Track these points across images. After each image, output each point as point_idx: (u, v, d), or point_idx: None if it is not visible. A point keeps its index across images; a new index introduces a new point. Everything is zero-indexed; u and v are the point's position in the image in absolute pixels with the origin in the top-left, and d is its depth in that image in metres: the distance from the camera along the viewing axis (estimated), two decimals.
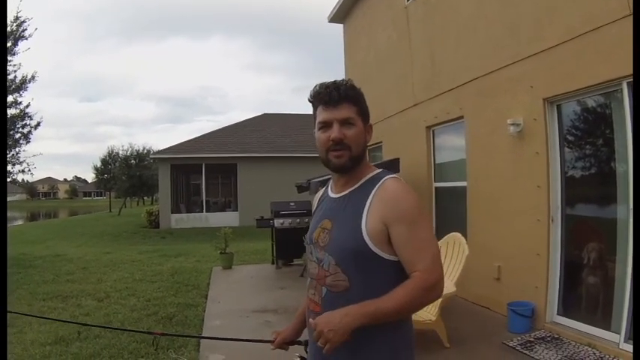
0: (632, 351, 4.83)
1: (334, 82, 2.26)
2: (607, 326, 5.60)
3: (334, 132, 2.19)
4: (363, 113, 2.28)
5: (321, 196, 2.53)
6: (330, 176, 2.46)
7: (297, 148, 29.79)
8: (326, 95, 2.23)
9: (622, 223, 5.42)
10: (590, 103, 6.08)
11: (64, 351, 6.27)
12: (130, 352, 6.24)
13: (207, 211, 30.27)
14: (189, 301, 9.04)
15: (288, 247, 12.47)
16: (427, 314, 6.24)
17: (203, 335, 7.05)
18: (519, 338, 6.19)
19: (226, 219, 26.51)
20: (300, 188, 12.07)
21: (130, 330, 6.81)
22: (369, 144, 2.45)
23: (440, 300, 6.07)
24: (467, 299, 8.09)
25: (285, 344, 2.64)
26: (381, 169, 2.32)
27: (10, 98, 15.56)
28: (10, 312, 4.53)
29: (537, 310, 6.50)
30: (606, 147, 5.89)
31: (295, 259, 12.65)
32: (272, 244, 13.04)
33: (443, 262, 6.47)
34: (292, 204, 12.84)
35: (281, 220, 12.57)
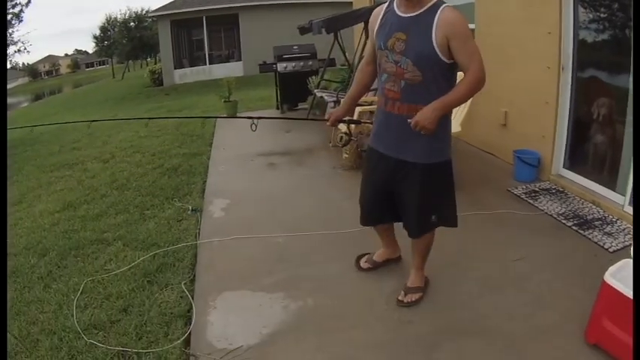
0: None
1: None
2: (612, 186, 5.42)
3: None
4: None
5: (385, 12, 3.30)
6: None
7: None
8: None
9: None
10: None
11: (72, 215, 6.35)
12: (135, 206, 6.32)
13: (210, 64, 29.93)
14: (193, 150, 9.06)
15: (293, 91, 12.26)
16: None
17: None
18: (524, 187, 6.09)
19: (230, 70, 26.30)
20: (303, 30, 11.67)
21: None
22: None
23: None
24: (472, 144, 7.93)
25: (336, 121, 3.87)
26: None
27: None
28: None
29: (543, 160, 6.33)
30: (623, 4, 5.33)
31: (300, 102, 12.46)
32: (276, 90, 12.86)
33: None
34: (295, 47, 12.49)
35: (284, 64, 12.29)
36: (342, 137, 4.37)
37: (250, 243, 4.98)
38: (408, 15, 3.13)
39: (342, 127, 4.31)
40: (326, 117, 3.93)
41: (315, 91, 10.72)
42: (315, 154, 8.07)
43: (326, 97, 9.71)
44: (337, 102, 8.58)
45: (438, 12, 3.04)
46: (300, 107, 12.43)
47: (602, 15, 5.75)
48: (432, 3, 3.08)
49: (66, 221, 6.18)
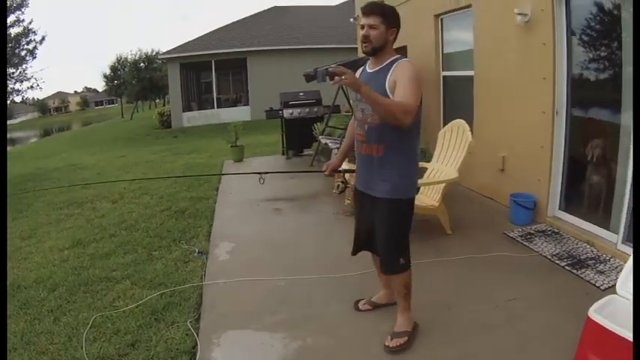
0: (628, 252, 4.88)
1: (371, 2, 3.67)
2: (606, 225, 5.66)
3: (364, 32, 3.62)
4: (387, 22, 3.62)
5: (361, 71, 3.90)
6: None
7: (306, 40, 29.42)
8: (363, 9, 3.63)
9: (624, 129, 5.31)
10: None
11: (82, 253, 6.63)
12: (143, 247, 6.59)
13: (218, 107, 30.41)
14: (201, 194, 9.34)
15: (298, 137, 12.58)
16: (430, 200, 6.42)
17: (212, 226, 7.35)
18: (520, 229, 6.34)
19: (238, 114, 26.76)
20: (308, 77, 12.05)
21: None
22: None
23: (442, 186, 6.27)
24: (471, 189, 8.26)
25: (333, 171, 4.38)
26: (399, 55, 3.69)
27: (12, 17, 15.71)
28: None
29: (539, 203, 6.61)
30: (614, 46, 5.69)
31: (305, 149, 12.76)
32: (282, 135, 13.17)
33: (447, 148, 6.74)
34: (301, 94, 12.81)
35: (290, 111, 12.63)
36: (338, 185, 4.83)
37: (254, 285, 5.22)
38: (373, 70, 3.74)
39: (339, 176, 4.79)
40: (323, 168, 4.41)
41: (320, 137, 11.02)
42: (319, 200, 8.33)
43: (330, 144, 10.00)
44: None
45: (395, 64, 3.61)
46: (305, 153, 12.72)
47: (595, 58, 6.06)
48: (392, 58, 3.68)
49: (75, 258, 6.45)
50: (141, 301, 4.93)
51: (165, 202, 8.99)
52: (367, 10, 3.63)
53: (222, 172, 11.43)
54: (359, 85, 3.28)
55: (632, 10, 4.86)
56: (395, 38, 3.74)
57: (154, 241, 6.77)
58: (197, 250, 6.22)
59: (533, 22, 6.54)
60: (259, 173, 4.66)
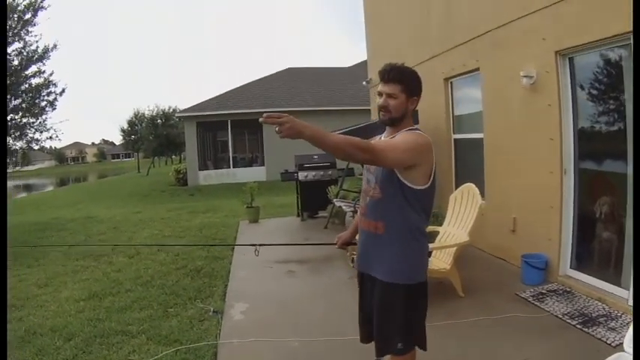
0: None
1: (390, 65, 3.35)
2: (617, 282, 5.78)
3: (381, 100, 3.33)
4: (408, 90, 3.33)
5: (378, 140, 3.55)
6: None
7: (322, 101, 30.07)
8: (381, 74, 3.34)
9: (632, 181, 5.46)
10: (602, 56, 6.07)
11: (97, 305, 6.83)
12: (159, 304, 6.76)
13: (234, 167, 30.82)
14: (216, 254, 9.51)
15: (313, 199, 12.80)
16: (442, 263, 6.58)
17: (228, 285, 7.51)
18: (532, 290, 6.46)
19: (253, 174, 27.05)
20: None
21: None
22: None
23: (454, 249, 6.44)
24: (483, 250, 8.43)
25: (344, 244, 4.10)
26: (414, 126, 3.42)
27: (33, 68, 16.33)
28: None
29: (550, 262, 6.75)
30: (618, 101, 5.93)
31: (320, 211, 12.95)
32: (297, 197, 13.41)
33: (458, 211, 6.98)
34: (316, 157, 13.07)
35: (305, 173, 12.89)
36: (352, 259, 4.79)
37: (267, 346, 5.35)
38: (387, 139, 3.43)
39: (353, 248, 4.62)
40: (335, 241, 4.14)
41: (335, 200, 11.25)
42: (332, 264, 8.45)
43: (344, 207, 10.21)
44: (355, 212, 9.02)
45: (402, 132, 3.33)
46: (320, 215, 12.91)
47: (600, 113, 6.27)
48: (406, 129, 3.35)
49: (91, 310, 6.66)
50: (156, 357, 5.08)
51: (181, 259, 9.19)
52: (386, 77, 3.33)
53: (238, 233, 11.66)
54: (299, 130, 2.75)
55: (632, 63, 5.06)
56: (416, 107, 3.44)
57: (169, 299, 6.95)
58: (212, 309, 6.39)
59: (538, 83, 6.84)
60: (254, 245, 4.67)
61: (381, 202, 3.32)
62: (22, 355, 5.36)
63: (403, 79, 3.32)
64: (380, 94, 3.36)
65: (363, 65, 19.52)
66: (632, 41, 3.98)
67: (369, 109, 15.87)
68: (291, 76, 34.85)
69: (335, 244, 4.11)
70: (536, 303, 6.01)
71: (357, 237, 3.74)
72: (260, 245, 4.81)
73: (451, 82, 9.94)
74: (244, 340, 5.47)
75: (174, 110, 47.11)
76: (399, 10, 12.32)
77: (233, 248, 9.92)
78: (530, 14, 6.93)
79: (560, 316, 5.54)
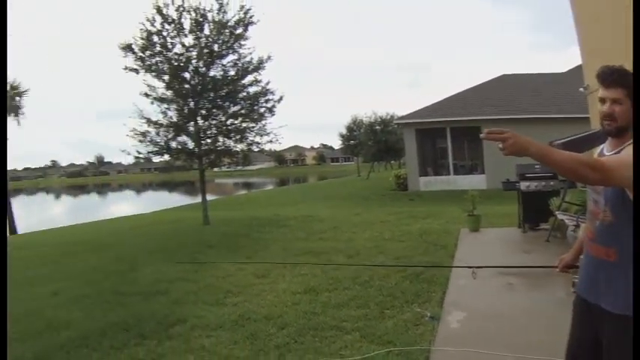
0: None
1: (609, 67, 2.92)
2: None
3: (605, 108, 2.91)
4: (633, 94, 2.88)
5: (599, 152, 3.17)
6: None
7: (538, 108, 28.72)
8: (601, 78, 2.92)
9: None
10: None
11: (314, 299, 7.02)
12: (376, 304, 6.74)
13: (454, 174, 30.59)
14: (436, 260, 9.36)
15: (535, 210, 12.20)
16: None
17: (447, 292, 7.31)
18: None
19: (473, 182, 26.61)
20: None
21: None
22: None
23: None
24: None
25: (566, 268, 3.69)
26: None
27: (250, 77, 17.87)
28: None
29: None
30: None
31: (542, 223, 12.28)
32: (518, 208, 12.89)
33: None
34: (537, 167, 12.34)
35: (527, 183, 12.36)
36: (573, 283, 4.31)
37: (482, 358, 5.07)
38: (611, 153, 3.00)
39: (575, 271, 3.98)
40: (557, 263, 3.75)
41: (557, 213, 10.59)
42: (553, 280, 7.79)
43: (567, 221, 9.59)
44: (577, 226, 8.47)
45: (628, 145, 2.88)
46: (541, 227, 12.22)
47: None
48: (630, 141, 2.91)
49: (307, 303, 6.86)
50: (367, 355, 5.05)
51: (401, 263, 9.14)
52: (608, 80, 2.92)
53: (459, 240, 11.41)
54: (523, 147, 2.60)
55: None
56: None
57: (386, 300, 6.91)
58: (429, 315, 6.23)
59: None
60: (470, 267, 4.40)
61: (613, 226, 2.91)
62: (234, 337, 5.73)
63: (629, 82, 2.88)
64: (603, 100, 2.96)
65: (577, 71, 18.48)
66: (632, 41, 3.31)
67: (588, 117, 14.86)
68: (506, 84, 33.92)
69: (556, 266, 3.74)
70: None
71: (580, 257, 3.36)
72: (477, 267, 4.63)
73: None
74: (458, 349, 5.25)
75: (392, 117, 47.86)
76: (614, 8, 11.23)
77: (453, 255, 9.72)
78: None
79: None
